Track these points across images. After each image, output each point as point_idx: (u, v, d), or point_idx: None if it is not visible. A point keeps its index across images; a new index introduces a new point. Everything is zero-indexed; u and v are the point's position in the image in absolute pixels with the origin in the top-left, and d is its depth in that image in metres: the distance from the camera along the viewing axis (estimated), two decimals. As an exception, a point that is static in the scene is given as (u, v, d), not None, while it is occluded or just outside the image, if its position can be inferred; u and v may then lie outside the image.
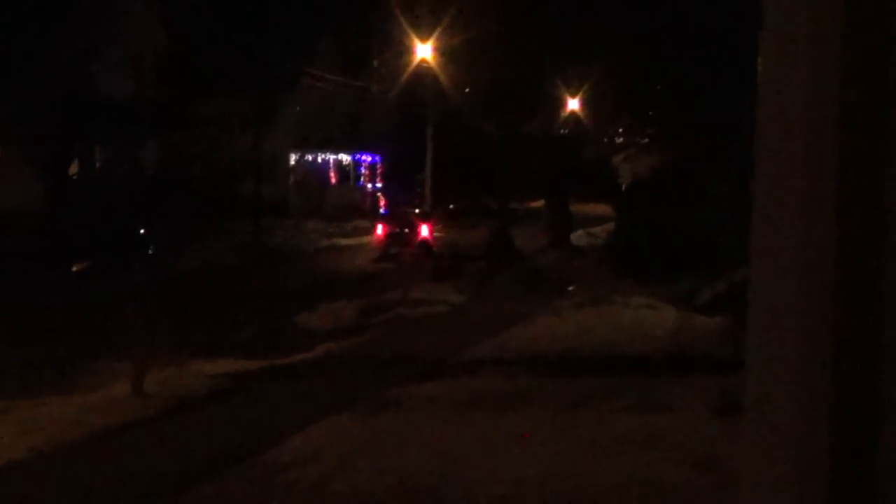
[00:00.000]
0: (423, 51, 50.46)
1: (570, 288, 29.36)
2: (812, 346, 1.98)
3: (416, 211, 40.11)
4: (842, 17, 1.95)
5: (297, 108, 60.81)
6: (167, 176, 48.98)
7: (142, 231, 31.42)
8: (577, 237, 46.61)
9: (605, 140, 64.30)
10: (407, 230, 38.97)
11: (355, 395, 14.75)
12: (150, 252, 29.62)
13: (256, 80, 48.60)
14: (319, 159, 65.50)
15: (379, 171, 67.57)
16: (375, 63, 58.23)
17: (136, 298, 15.81)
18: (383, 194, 63.27)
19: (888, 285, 1.97)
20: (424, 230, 39.78)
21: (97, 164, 47.45)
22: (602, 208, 52.97)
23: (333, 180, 67.07)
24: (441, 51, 49.22)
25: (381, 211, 58.91)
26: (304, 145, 61.17)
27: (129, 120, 45.47)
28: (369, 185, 66.23)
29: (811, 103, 1.98)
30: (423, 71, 51.78)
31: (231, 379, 16.62)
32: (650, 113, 47.59)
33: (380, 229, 39.72)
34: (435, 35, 48.75)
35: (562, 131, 51.86)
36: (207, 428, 13.54)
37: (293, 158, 62.26)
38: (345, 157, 67.82)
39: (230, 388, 15.92)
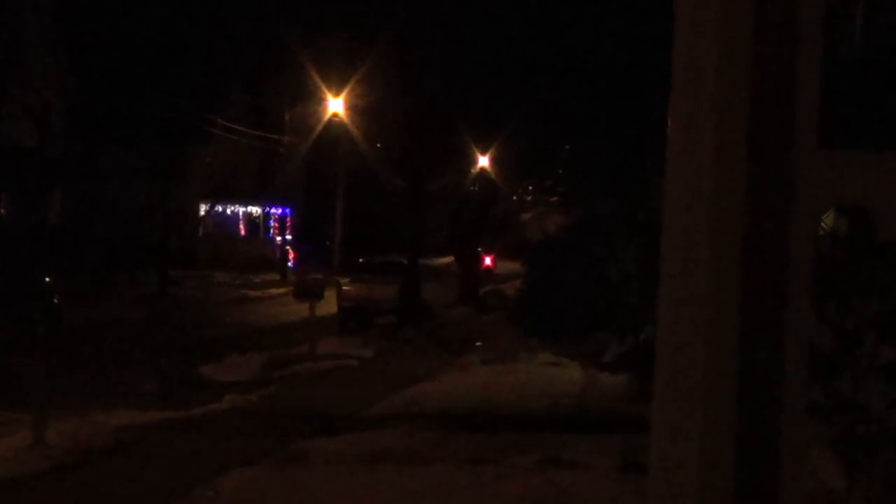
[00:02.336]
0: (336, 105, 50.59)
1: (478, 344, 29.46)
2: (717, 407, 2.04)
3: (479, 249, 52.12)
4: (748, 89, 2.04)
5: (208, 160, 60.55)
6: (73, 225, 48.47)
7: (47, 279, 30.99)
8: (486, 293, 46.77)
9: (515, 198, 64.74)
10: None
11: (260, 448, 14.66)
12: (55, 301, 29.22)
13: (166, 131, 48.29)
14: (229, 211, 65.19)
15: (289, 224, 67.42)
16: (287, 116, 58.24)
17: (39, 347, 15.56)
18: (293, 247, 63.05)
19: (792, 346, 2.04)
20: (487, 260, 54.65)
21: (2, 211, 46.86)
22: (512, 265, 53.12)
23: (243, 232, 66.79)
24: (353, 106, 49.39)
25: (290, 264, 58.66)
26: (214, 196, 60.85)
27: (36, 167, 44.97)
28: (279, 238, 66.03)
29: (718, 163, 2.04)
30: (334, 125, 51.89)
31: (135, 431, 16.44)
32: (560, 171, 48.02)
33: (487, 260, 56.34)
34: (347, 90, 48.90)
35: (472, 188, 52.13)
36: (109, 481, 13.37)
37: (203, 209, 61.90)
38: (255, 210, 67.59)
39: (133, 440, 15.74)
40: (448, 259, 56.91)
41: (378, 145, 51.80)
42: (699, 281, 2.05)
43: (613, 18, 27.75)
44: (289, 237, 66.33)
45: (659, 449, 2.08)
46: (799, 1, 2.02)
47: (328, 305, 35.11)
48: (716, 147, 2.04)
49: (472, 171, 51.77)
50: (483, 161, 51.98)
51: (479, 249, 53.41)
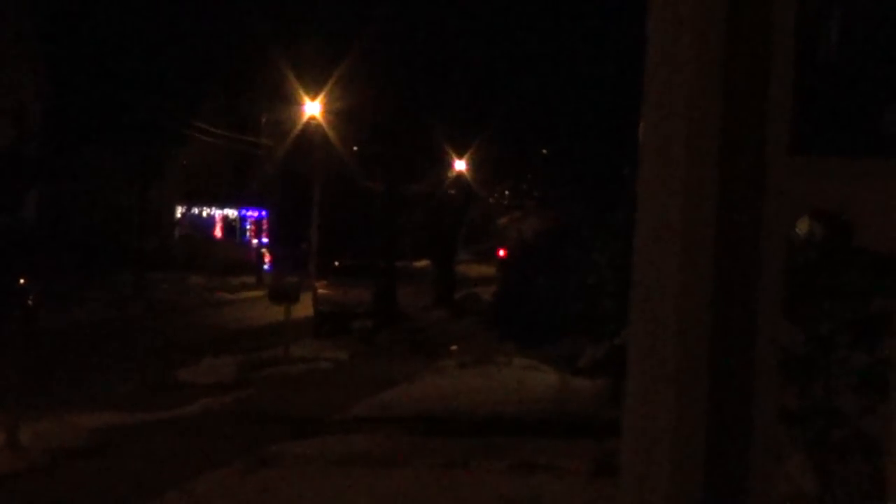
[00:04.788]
0: (312, 108, 50.49)
1: (453, 348, 29.45)
2: (687, 411, 2.03)
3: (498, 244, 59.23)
4: (720, 88, 2.03)
5: (185, 162, 60.38)
6: (49, 227, 48.27)
7: (21, 281, 30.88)
8: (462, 297, 46.81)
9: (491, 201, 64.73)
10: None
11: (234, 451, 14.62)
12: (29, 303, 29.10)
13: (142, 133, 48.10)
14: (205, 213, 65.02)
15: (265, 227, 67.28)
16: (264, 119, 58.09)
17: (13, 349, 15.49)
18: (269, 250, 62.89)
19: (763, 350, 2.04)
20: (501, 252, 57.70)
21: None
22: (487, 269, 53.20)
23: (219, 235, 66.61)
24: (329, 109, 49.30)
25: (266, 267, 58.52)
26: (190, 199, 60.65)
27: (12, 168, 44.78)
28: (255, 241, 65.88)
29: (691, 165, 2.04)
30: (311, 128, 51.79)
31: (109, 432, 16.38)
32: (534, 176, 48.05)
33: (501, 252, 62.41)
34: (324, 93, 48.81)
35: (449, 191, 52.12)
36: (83, 483, 13.32)
37: (179, 212, 61.72)
38: (231, 212, 67.43)
39: (108, 442, 15.68)
40: (424, 262, 56.91)
41: (355, 148, 51.75)
42: (671, 285, 2.04)
43: (590, 23, 27.82)
44: (265, 240, 66.18)
45: (629, 452, 2.08)
46: (772, 1, 2.02)
47: (304, 308, 35.07)
48: (688, 150, 2.03)
49: (449, 174, 51.76)
50: (459, 164, 51.98)
51: (496, 244, 60.13)
